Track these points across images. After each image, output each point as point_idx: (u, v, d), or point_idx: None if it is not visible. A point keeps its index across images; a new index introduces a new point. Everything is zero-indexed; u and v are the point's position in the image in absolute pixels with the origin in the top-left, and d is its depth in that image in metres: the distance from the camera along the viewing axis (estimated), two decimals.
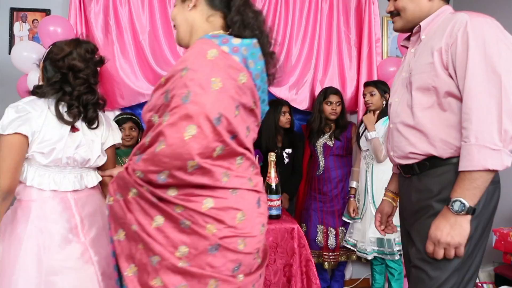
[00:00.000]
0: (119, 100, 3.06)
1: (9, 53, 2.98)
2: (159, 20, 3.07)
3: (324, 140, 2.93)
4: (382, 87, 2.71)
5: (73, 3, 2.98)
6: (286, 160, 2.96)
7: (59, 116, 1.47)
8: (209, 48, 1.12)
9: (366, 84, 2.79)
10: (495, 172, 1.21)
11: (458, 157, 1.24)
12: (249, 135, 1.22)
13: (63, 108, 1.50)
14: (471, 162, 1.17)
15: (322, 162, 2.93)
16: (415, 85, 1.34)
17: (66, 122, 1.48)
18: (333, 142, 2.91)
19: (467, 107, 1.19)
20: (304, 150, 3.04)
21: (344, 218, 2.84)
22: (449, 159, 1.29)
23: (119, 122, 2.65)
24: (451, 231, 1.20)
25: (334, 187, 2.90)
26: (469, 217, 1.20)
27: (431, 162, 1.32)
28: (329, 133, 2.94)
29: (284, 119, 2.92)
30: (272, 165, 2.09)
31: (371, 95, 2.71)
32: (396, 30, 1.49)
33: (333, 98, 2.90)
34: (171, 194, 1.11)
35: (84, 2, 2.99)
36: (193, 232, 1.09)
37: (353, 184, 2.78)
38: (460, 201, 1.19)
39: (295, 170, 2.99)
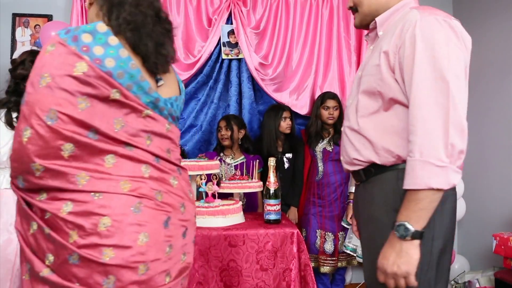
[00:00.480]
0: None
1: (11, 58, 3.00)
2: None
3: (323, 145, 2.94)
4: None
5: (75, 9, 3.00)
6: (287, 165, 2.97)
7: (8, 122, 1.59)
8: (50, 43, 1.04)
9: None
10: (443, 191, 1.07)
11: (402, 163, 1.15)
12: (121, 129, 1.07)
13: (14, 114, 1.62)
14: (415, 180, 1.05)
15: (321, 167, 2.93)
16: (361, 88, 1.25)
17: (13, 128, 1.56)
18: (332, 147, 2.92)
19: (412, 117, 1.08)
20: (304, 156, 3.04)
21: (343, 223, 2.85)
22: (393, 165, 1.19)
23: None
24: (397, 260, 1.07)
25: (333, 191, 2.90)
26: (416, 242, 1.07)
27: (375, 168, 1.22)
28: (328, 138, 2.95)
29: (285, 124, 2.93)
30: (272, 169, 2.09)
31: None
32: (356, 27, 1.38)
33: (330, 103, 2.92)
34: (40, 198, 1.03)
35: (86, 7, 3.02)
36: (53, 239, 1.00)
37: (352, 189, 2.79)
38: (404, 225, 1.06)
39: (295, 176, 2.99)
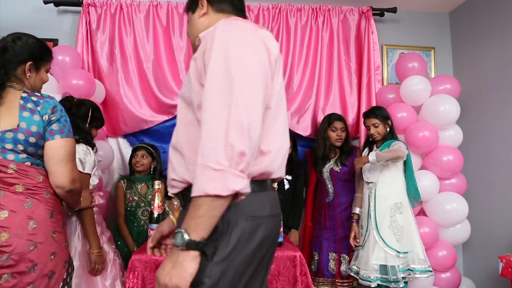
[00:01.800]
0: (122, 127, 3.10)
1: None
2: (163, 49, 3.15)
3: (330, 166, 2.94)
4: (382, 114, 2.73)
5: (80, 33, 3.07)
6: (287, 186, 2.95)
7: None
8: None
9: (367, 116, 2.77)
10: (229, 197, 0.96)
11: None
12: None
13: None
14: (195, 186, 0.95)
15: (331, 188, 2.92)
16: (179, 99, 1.18)
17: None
18: (339, 167, 2.92)
19: (201, 119, 1.00)
20: (304, 178, 3.03)
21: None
22: None
23: (135, 149, 2.84)
24: (171, 271, 0.96)
25: (344, 212, 2.88)
26: (193, 254, 0.96)
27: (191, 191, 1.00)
28: (334, 159, 2.95)
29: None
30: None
31: (375, 126, 2.71)
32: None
33: (338, 124, 2.93)
34: None
35: (91, 32, 3.08)
36: None
37: (356, 210, 2.77)
38: (181, 233, 0.95)
39: (295, 198, 2.97)
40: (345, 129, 2.96)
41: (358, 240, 2.71)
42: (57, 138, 1.51)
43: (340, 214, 2.88)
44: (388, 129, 2.72)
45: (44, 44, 1.68)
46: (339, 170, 2.91)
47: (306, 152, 3.15)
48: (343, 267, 2.84)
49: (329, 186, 2.92)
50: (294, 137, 3.00)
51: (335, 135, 2.91)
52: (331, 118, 2.97)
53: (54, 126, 1.52)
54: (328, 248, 2.89)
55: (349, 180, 2.93)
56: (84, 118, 2.11)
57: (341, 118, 2.98)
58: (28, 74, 1.60)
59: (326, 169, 2.93)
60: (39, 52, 1.63)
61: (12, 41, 1.57)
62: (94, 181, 2.09)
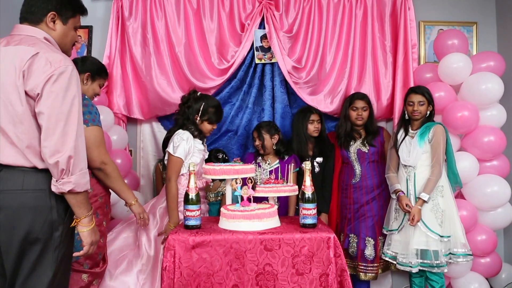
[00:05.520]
0: (155, 110, 3.16)
1: None
2: (194, 32, 3.15)
3: (357, 146, 2.89)
4: (430, 94, 2.63)
5: (113, 20, 3.12)
6: (317, 169, 2.91)
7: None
8: None
9: (415, 91, 2.64)
10: None
11: None
12: None
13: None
14: None
15: (358, 170, 2.88)
16: None
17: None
18: (367, 148, 2.87)
19: None
20: (334, 159, 2.98)
21: (383, 231, 2.76)
22: None
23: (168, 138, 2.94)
24: None
25: (370, 194, 2.85)
26: None
27: None
28: (360, 139, 2.90)
29: (312, 127, 2.90)
30: (308, 173, 2.06)
31: (420, 104, 2.60)
32: None
33: (359, 104, 2.88)
34: None
35: (123, 19, 3.13)
36: None
37: (398, 186, 2.62)
38: None
39: (325, 182, 2.93)
40: (368, 108, 2.89)
41: (391, 223, 2.66)
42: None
43: (366, 196, 2.85)
44: (428, 112, 2.62)
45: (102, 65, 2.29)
46: (367, 151, 2.87)
47: (329, 133, 3.11)
48: (368, 251, 2.81)
49: (357, 167, 2.88)
50: (321, 116, 2.96)
51: (356, 114, 2.87)
52: (353, 97, 2.92)
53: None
54: (351, 230, 2.87)
55: (377, 161, 2.89)
56: (196, 112, 2.41)
57: (363, 97, 2.91)
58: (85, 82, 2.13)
59: (353, 150, 2.89)
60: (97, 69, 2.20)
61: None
62: (186, 168, 2.33)
